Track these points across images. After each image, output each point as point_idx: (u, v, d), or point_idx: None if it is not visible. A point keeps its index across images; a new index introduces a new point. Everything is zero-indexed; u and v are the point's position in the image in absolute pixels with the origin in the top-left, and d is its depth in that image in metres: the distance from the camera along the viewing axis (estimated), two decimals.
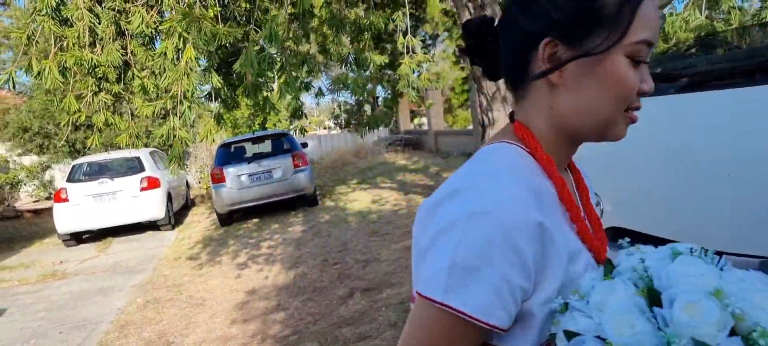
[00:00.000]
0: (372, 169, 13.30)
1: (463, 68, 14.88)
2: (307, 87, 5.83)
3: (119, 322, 4.76)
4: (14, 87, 3.41)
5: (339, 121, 20.25)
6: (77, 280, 6.54)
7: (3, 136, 13.85)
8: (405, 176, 11.17)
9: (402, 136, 17.18)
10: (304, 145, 9.81)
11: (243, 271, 5.96)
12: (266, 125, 16.90)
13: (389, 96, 6.66)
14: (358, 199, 9.35)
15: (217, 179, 8.55)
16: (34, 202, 14.63)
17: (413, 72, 5.13)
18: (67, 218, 8.55)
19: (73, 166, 9.34)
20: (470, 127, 16.59)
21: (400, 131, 17.96)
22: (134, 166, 9.22)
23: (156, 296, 5.40)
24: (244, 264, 6.25)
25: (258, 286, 5.28)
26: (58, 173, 14.01)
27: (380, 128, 6.54)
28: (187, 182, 11.97)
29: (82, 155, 11.37)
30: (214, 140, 4.00)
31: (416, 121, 22.27)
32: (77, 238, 8.89)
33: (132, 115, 4.67)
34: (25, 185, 12.46)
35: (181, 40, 3.36)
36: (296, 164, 8.78)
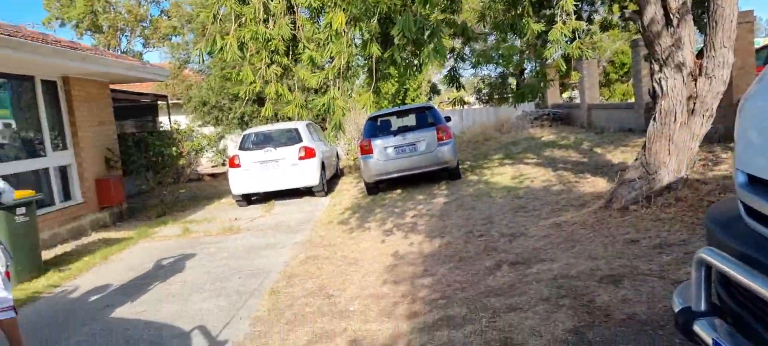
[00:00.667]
0: (516, 145, 12.88)
1: (628, 33, 13.54)
2: (463, 58, 5.80)
3: (286, 273, 5.32)
4: (203, 62, 3.94)
5: (481, 95, 19.93)
6: (249, 235, 7.42)
7: (187, 110, 16.14)
8: (553, 152, 10.61)
9: (549, 110, 16.29)
10: (448, 118, 9.84)
11: (389, 237, 6.23)
12: (406, 101, 17.27)
13: (537, 68, 6.35)
14: (502, 174, 9.15)
15: (366, 150, 9.00)
16: (212, 167, 16.89)
17: (565, 39, 4.81)
18: (239, 182, 9.73)
19: (244, 136, 10.54)
20: (631, 100, 15.12)
21: (547, 105, 17.05)
22: (293, 137, 10.10)
23: (315, 254, 5.92)
24: (390, 231, 6.52)
25: (404, 252, 5.49)
26: (230, 143, 15.96)
27: (526, 102, 6.28)
28: (337, 153, 12.80)
29: (250, 127, 12.77)
30: (370, 109, 4.20)
31: (566, 94, 20.94)
32: (247, 199, 10.07)
33: (296, 87, 5.12)
34: (206, 151, 14.41)
35: (343, 11, 3.56)
36: (440, 137, 8.85)
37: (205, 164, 16.53)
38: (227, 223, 8.45)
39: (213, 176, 15.74)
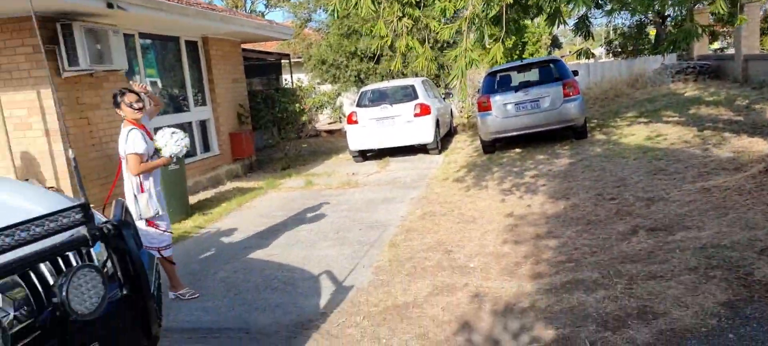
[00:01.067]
0: (653, 101, 11.64)
1: None
2: (599, 4, 5.27)
3: (404, 227, 5.39)
4: (337, 16, 3.98)
5: (612, 47, 18.13)
6: (366, 190, 7.64)
7: (306, 68, 16.85)
8: (699, 109, 9.43)
9: (695, 62, 14.42)
10: (575, 72, 9.12)
11: (507, 196, 6.02)
12: (523, 56, 16.37)
13: (683, 13, 5.54)
14: (635, 133, 8.34)
15: (483, 107, 8.71)
16: (328, 123, 17.61)
17: None
18: (356, 138, 10.01)
19: (361, 92, 10.75)
20: None
21: (692, 57, 15.11)
22: (409, 94, 10.09)
23: (431, 210, 5.92)
24: (509, 190, 6.30)
25: (524, 212, 5.27)
26: (346, 100, 16.45)
27: (676, 51, 5.55)
28: (451, 110, 12.59)
29: (365, 85, 13.00)
30: (501, 60, 3.99)
31: (714, 45, 18.37)
32: (363, 155, 10.35)
33: (426, 40, 5.02)
34: (325, 108, 15.01)
35: None
36: (566, 93, 8.26)
37: (323, 121, 17.27)
38: (345, 177, 8.77)
39: (329, 132, 16.42)
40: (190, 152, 8.60)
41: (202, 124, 9.33)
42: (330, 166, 10.18)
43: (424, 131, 9.68)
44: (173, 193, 6.39)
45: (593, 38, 6.20)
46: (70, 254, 1.72)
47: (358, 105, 10.34)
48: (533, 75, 9.73)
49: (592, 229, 4.46)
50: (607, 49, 15.73)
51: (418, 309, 3.47)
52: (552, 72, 8.97)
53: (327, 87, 16.48)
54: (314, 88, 11.78)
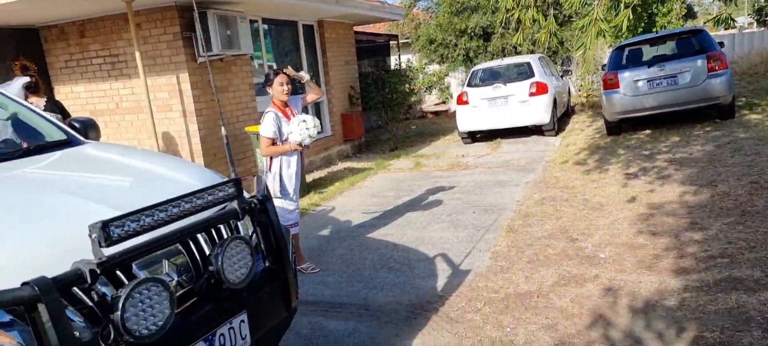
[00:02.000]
0: None
1: None
2: None
3: (520, 212, 5.14)
4: None
5: (762, 15, 15.73)
6: (477, 172, 7.43)
7: (414, 48, 16.78)
8: None
9: None
10: (721, 43, 8.05)
11: (637, 182, 5.49)
12: (652, 30, 14.82)
13: None
14: None
15: (610, 84, 8.02)
16: (434, 105, 17.46)
17: None
18: (466, 118, 9.77)
19: (472, 72, 10.44)
20: None
21: None
22: (524, 72, 9.60)
23: (551, 195, 5.58)
24: (639, 175, 5.74)
25: (660, 200, 4.75)
26: (453, 80, 16.15)
27: None
28: (569, 89, 11.82)
29: (474, 64, 12.63)
30: (625, 35, 3.60)
31: None
32: (472, 136, 10.09)
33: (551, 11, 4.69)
34: (433, 89, 14.88)
35: None
36: (711, 67, 7.31)
37: (429, 102, 17.14)
38: (455, 159, 8.61)
39: (435, 113, 16.27)
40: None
41: (317, 106, 9.68)
42: (438, 148, 10.06)
43: (539, 111, 9.18)
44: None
45: (735, 4, 5.37)
46: (222, 226, 1.81)
47: (469, 85, 10.06)
48: (669, 48, 8.75)
49: (749, 221, 3.90)
50: (757, 18, 13.69)
51: (544, 299, 3.27)
52: (693, 44, 7.98)
53: (433, 67, 16.30)
54: (424, 68, 11.61)
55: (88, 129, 2.85)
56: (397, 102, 10.66)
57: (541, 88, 9.12)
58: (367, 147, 10.89)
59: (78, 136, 2.74)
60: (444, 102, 16.64)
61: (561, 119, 10.58)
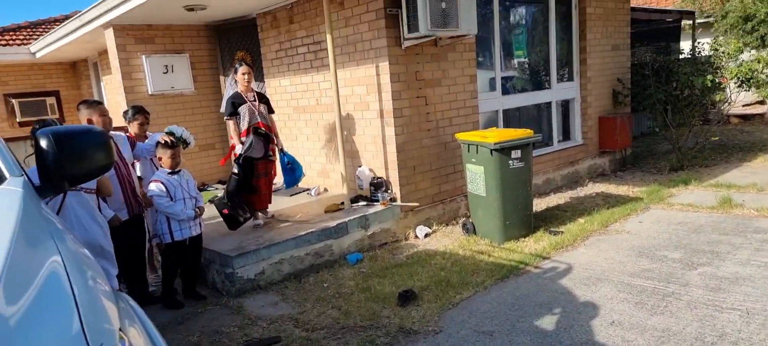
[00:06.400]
0: None
1: None
2: None
3: None
4: None
5: None
6: None
7: (717, 29, 12.31)
8: None
9: None
10: None
11: None
12: None
13: None
14: None
15: None
16: (743, 106, 12.67)
17: None
18: None
19: None
20: None
21: None
22: None
23: None
24: None
25: None
26: None
27: None
28: None
29: None
30: None
31: None
32: None
33: None
34: (750, 83, 10.52)
35: None
36: None
37: (737, 103, 12.41)
38: None
39: (743, 117, 11.68)
40: (544, 141, 6.75)
41: (564, 106, 7.29)
42: (756, 173, 6.53)
43: None
44: (510, 197, 4.68)
45: None
46: None
47: None
48: None
49: None
50: None
51: None
52: None
53: (748, 55, 11.64)
54: (741, 51, 7.92)
55: (62, 145, 1.52)
56: (690, 101, 7.39)
57: None
58: (633, 163, 7.95)
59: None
60: (761, 102, 11.84)
61: None
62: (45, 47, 8.52)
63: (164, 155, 3.88)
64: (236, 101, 4.78)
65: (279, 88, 6.44)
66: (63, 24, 7.43)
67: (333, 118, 5.55)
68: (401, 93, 5.10)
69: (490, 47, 6.26)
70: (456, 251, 4.63)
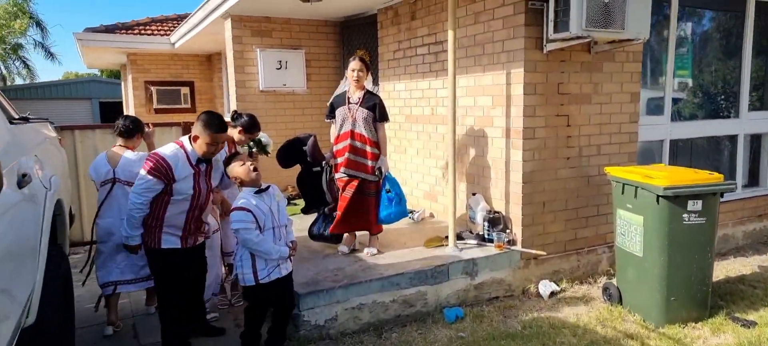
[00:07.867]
0: None
1: None
2: None
3: None
4: None
5: None
6: None
7: None
8: None
9: None
10: None
11: None
12: None
13: None
14: None
15: None
16: None
17: None
18: None
19: None
20: None
21: None
22: None
23: None
24: None
25: None
26: None
27: None
28: None
29: None
30: None
31: None
32: None
33: None
34: None
35: None
36: None
37: None
38: None
39: None
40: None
41: (755, 141, 5.57)
42: None
43: None
44: (680, 264, 3.38)
45: None
46: None
47: None
48: None
49: None
50: None
51: None
52: None
53: None
54: None
55: None
56: None
57: None
58: None
59: None
60: None
61: None
62: (180, 38, 8.78)
63: (242, 171, 2.94)
64: (335, 102, 4.10)
65: (393, 92, 5.69)
66: (191, 15, 7.49)
67: (448, 132, 4.62)
68: (536, 109, 4.02)
69: (660, 60, 4.87)
70: (593, 326, 3.44)
